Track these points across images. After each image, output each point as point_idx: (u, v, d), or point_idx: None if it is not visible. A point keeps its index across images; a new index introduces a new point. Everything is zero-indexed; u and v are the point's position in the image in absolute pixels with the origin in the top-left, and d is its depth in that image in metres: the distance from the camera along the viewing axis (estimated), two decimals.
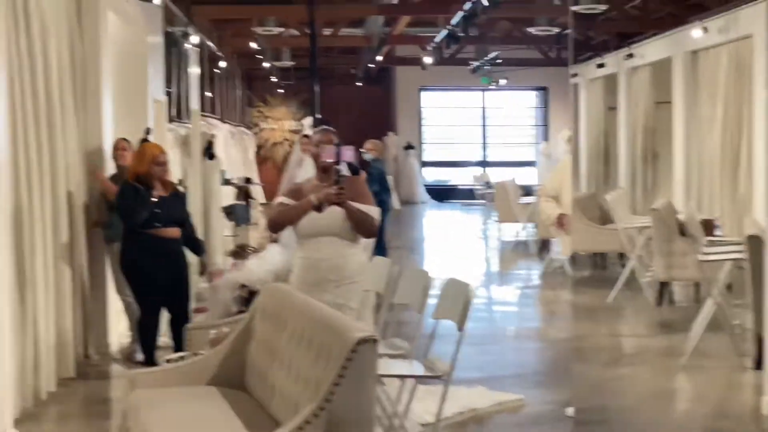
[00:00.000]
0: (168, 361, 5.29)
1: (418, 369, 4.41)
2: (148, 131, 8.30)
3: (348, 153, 5.38)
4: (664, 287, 9.63)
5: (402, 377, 4.52)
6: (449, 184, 25.41)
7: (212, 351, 4.96)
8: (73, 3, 7.29)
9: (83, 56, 7.44)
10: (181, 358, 5.29)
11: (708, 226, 9.81)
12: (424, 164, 25.33)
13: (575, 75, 17.83)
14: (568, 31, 17.51)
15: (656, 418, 6.03)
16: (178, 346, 6.57)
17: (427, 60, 16.73)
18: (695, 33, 11.41)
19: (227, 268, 6.95)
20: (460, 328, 4.19)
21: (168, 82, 12.77)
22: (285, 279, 6.22)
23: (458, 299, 4.21)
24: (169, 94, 12.68)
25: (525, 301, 10.98)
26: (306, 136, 11.65)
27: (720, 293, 7.30)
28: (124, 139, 7.75)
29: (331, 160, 5.28)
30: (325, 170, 5.35)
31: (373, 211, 5.31)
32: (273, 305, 4.78)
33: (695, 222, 7.59)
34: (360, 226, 5.27)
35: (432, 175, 25.66)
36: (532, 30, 16.00)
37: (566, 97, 23.05)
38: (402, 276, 5.02)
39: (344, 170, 5.41)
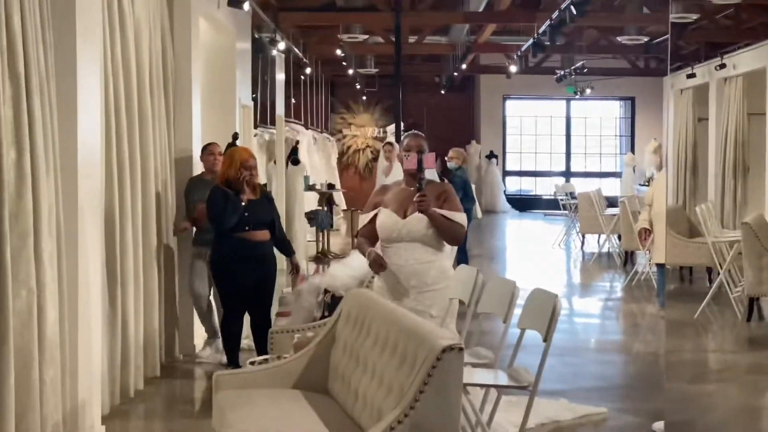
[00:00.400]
0: (252, 363, 5.33)
1: (502, 379, 4.37)
2: (235, 136, 8.41)
3: (430, 160, 5.29)
4: (753, 302, 9.40)
5: (487, 386, 4.48)
6: (531, 194, 25.21)
7: (296, 355, 4.98)
8: (166, 9, 7.44)
9: (175, 61, 7.58)
10: (265, 360, 5.33)
11: None
12: (507, 173, 25.18)
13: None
14: (658, 40, 17.32)
15: None
16: (261, 349, 6.63)
17: (512, 68, 16.62)
18: None
19: (310, 273, 6.98)
20: (546, 338, 4.14)
21: (254, 87, 12.94)
22: (368, 285, 6.24)
23: (545, 309, 4.16)
24: (255, 99, 12.85)
25: (608, 313, 10.82)
26: (389, 143, 11.69)
27: None
28: (216, 144, 7.81)
29: (413, 167, 5.25)
30: (411, 176, 5.33)
31: (460, 217, 5.25)
32: (357, 310, 4.79)
33: None
34: (445, 232, 5.22)
35: (514, 185, 25.49)
36: (620, 39, 15.79)
37: (653, 108, 22.62)
38: (487, 285, 4.98)
39: (429, 176, 5.35)
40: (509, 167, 25.33)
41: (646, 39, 15.81)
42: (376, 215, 5.36)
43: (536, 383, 4.16)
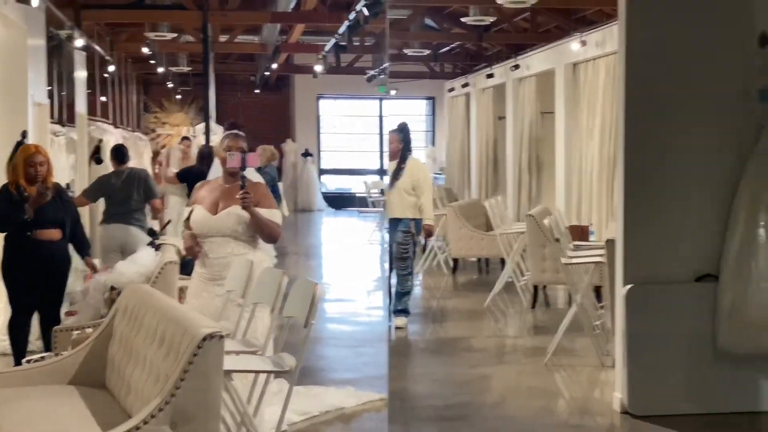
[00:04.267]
0: (28, 361, 5.30)
1: (266, 364, 4.54)
2: (24, 135, 8.24)
3: (253, 159, 5.63)
4: (538, 290, 9.99)
5: (248, 372, 4.65)
6: (348, 191, 25.58)
7: (72, 351, 5.00)
8: None
9: None
10: (42, 358, 5.31)
11: (582, 232, 10.21)
12: (323, 171, 25.47)
13: (452, 89, 18.81)
14: (444, 49, 18.68)
15: (515, 413, 6.29)
16: (48, 347, 6.56)
17: (318, 68, 16.87)
18: (574, 46, 11.83)
19: (99, 270, 6.95)
20: (305, 324, 4.34)
21: (59, 85, 12.63)
22: (155, 280, 6.31)
23: (305, 297, 4.36)
24: (58, 97, 12.54)
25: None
26: (186, 138, 11.73)
27: (583, 295, 7.60)
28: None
29: (237, 165, 5.47)
30: (231, 174, 5.58)
31: (276, 215, 5.57)
32: (134, 304, 4.87)
33: (560, 227, 7.90)
34: (263, 230, 5.54)
35: (332, 183, 25.79)
36: (407, 51, 16.89)
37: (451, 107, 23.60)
38: (261, 275, 5.16)
39: (250, 176, 5.64)
40: (325, 165, 25.62)
41: (428, 51, 17.99)
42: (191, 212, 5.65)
43: (297, 368, 4.36)
